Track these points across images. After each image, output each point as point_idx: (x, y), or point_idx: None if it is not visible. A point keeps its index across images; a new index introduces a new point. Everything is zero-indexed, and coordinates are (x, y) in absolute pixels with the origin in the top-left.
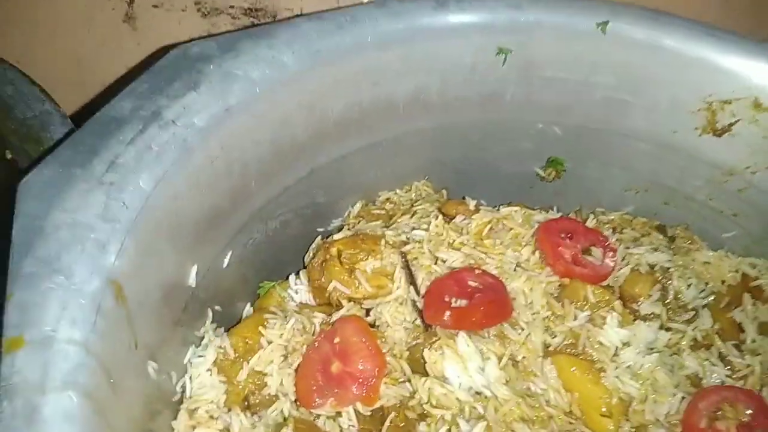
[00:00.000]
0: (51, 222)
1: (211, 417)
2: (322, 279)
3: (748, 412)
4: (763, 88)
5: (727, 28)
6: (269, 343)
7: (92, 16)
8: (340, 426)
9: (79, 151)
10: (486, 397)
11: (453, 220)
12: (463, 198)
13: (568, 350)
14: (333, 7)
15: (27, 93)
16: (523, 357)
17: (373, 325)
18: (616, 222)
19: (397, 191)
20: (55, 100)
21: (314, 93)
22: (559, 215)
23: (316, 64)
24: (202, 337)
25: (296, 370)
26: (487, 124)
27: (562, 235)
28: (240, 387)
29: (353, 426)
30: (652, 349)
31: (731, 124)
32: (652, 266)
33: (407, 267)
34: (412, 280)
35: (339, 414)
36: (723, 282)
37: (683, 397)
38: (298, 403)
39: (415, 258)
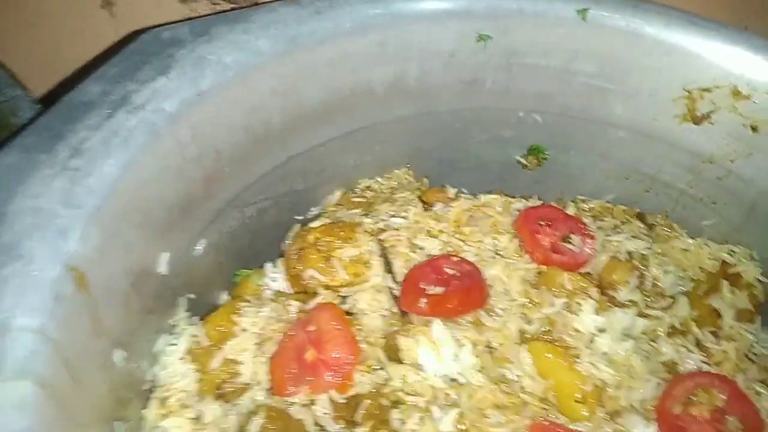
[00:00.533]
0: (13, 208)
1: (183, 406)
2: (299, 267)
3: (723, 397)
4: (743, 77)
5: (709, 16)
6: (243, 331)
7: (69, 3)
8: (314, 414)
9: (43, 137)
10: (461, 384)
11: (433, 208)
12: (443, 186)
13: (545, 337)
14: None
15: None
16: (500, 344)
17: (350, 313)
18: (596, 210)
19: (378, 179)
20: (28, 87)
21: (290, 79)
22: (539, 203)
23: (292, 49)
24: (175, 326)
25: (271, 359)
26: (468, 111)
27: (542, 223)
28: (213, 375)
29: (327, 414)
30: (628, 335)
31: (711, 113)
32: (630, 254)
33: (384, 255)
34: (389, 267)
35: (313, 402)
36: (702, 269)
37: (658, 383)
38: (272, 391)
39: (393, 246)
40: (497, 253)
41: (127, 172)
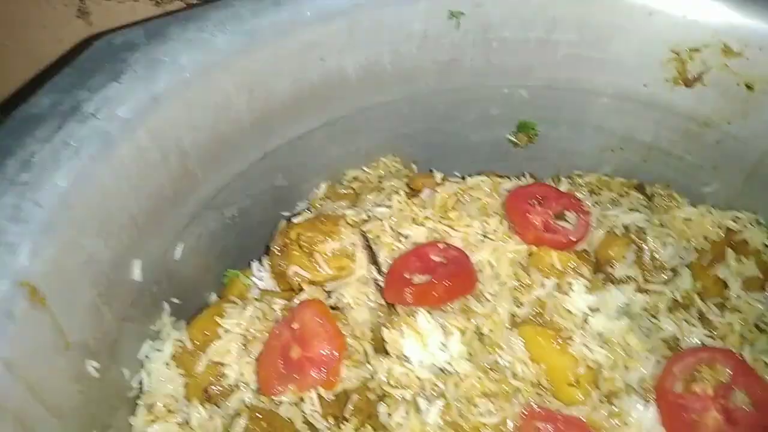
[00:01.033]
0: None
1: (170, 411)
2: (283, 264)
3: (727, 372)
4: (731, 33)
5: None
6: (226, 332)
7: (45, 15)
8: (303, 412)
9: None
10: (448, 374)
11: (421, 195)
12: (431, 171)
13: (536, 320)
14: None
15: None
16: (489, 330)
17: (336, 308)
18: (593, 184)
19: (364, 168)
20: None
21: (253, 74)
22: (531, 182)
23: (250, 44)
24: (159, 331)
25: (258, 359)
26: (450, 92)
27: (532, 202)
28: (199, 379)
29: (316, 411)
30: (626, 313)
31: (702, 74)
32: (627, 227)
33: (368, 246)
34: (373, 259)
35: (302, 400)
36: (706, 238)
37: (658, 362)
38: (260, 391)
39: (377, 236)
40: (486, 237)
41: (79, 183)
